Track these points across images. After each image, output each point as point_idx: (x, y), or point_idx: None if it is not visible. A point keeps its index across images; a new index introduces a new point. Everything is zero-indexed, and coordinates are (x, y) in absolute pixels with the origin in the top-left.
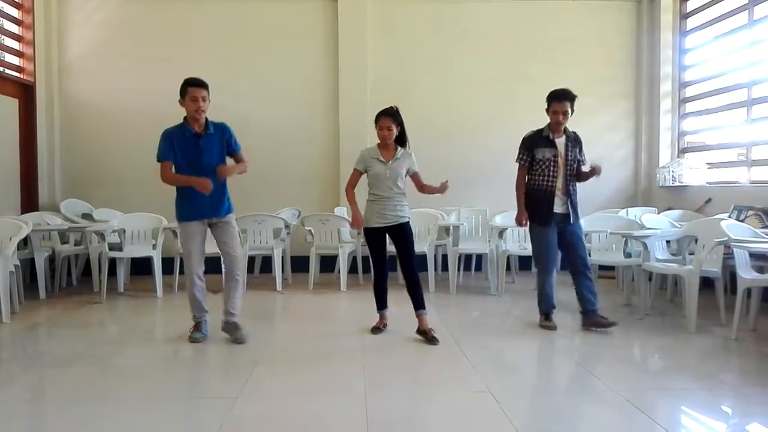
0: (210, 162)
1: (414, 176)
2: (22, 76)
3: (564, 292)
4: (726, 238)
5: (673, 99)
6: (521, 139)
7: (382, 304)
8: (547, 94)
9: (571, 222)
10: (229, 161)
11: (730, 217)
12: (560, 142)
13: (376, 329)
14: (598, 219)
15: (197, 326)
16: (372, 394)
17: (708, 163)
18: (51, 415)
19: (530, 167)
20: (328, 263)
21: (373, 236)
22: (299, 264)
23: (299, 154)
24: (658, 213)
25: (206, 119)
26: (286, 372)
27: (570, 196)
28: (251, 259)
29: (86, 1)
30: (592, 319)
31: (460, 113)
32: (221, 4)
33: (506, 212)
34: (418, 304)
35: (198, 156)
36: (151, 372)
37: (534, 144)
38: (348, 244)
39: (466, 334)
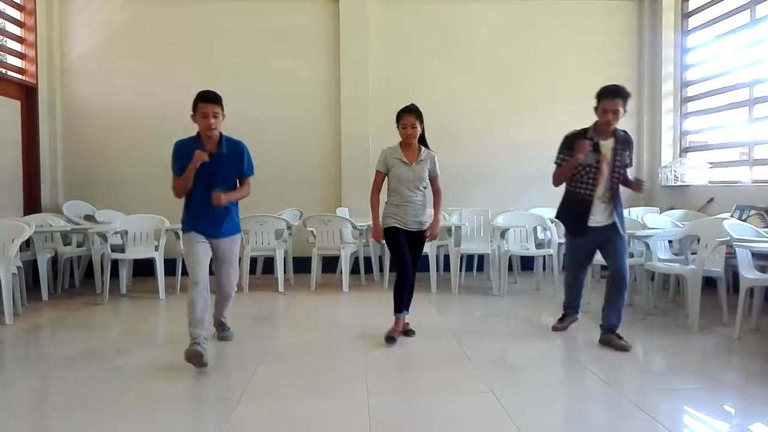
0: (221, 183)
1: (433, 180)
2: (24, 78)
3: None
4: (728, 238)
5: (674, 98)
6: (563, 137)
7: (401, 306)
8: (597, 90)
9: (616, 233)
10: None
11: (732, 216)
12: (606, 145)
13: (391, 339)
14: None
15: (194, 344)
16: (374, 395)
17: (710, 163)
18: (53, 417)
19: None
20: (330, 264)
21: (395, 233)
22: (301, 265)
23: (301, 155)
24: (660, 212)
25: (221, 135)
26: (288, 373)
27: (615, 205)
28: (253, 260)
29: (88, 3)
30: (607, 337)
31: (462, 114)
32: (223, 6)
33: (508, 212)
34: (406, 307)
35: (208, 175)
36: (153, 373)
37: (578, 145)
38: (350, 245)
39: (468, 334)
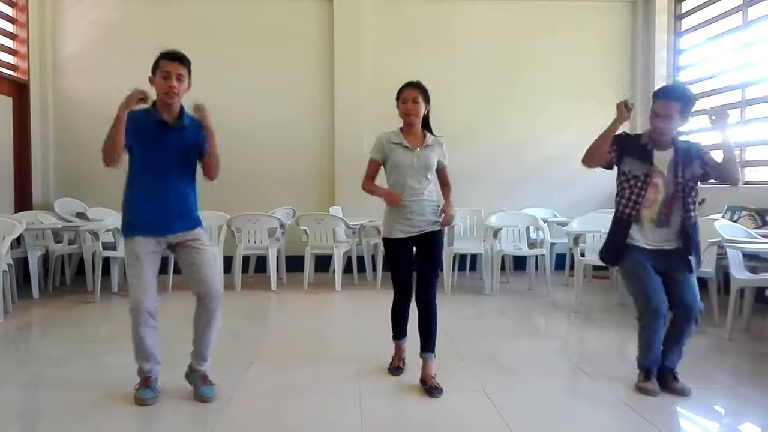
0: (179, 163)
1: (441, 172)
2: (16, 75)
3: (562, 292)
4: (720, 239)
5: None
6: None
7: (400, 331)
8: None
9: (683, 261)
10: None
11: (723, 217)
12: (662, 157)
13: (396, 369)
14: (593, 219)
15: (145, 382)
16: (366, 394)
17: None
18: (44, 415)
19: (617, 181)
20: (323, 263)
21: (397, 248)
22: (294, 264)
23: (294, 154)
24: None
25: (182, 108)
26: (281, 372)
27: (685, 229)
28: (246, 259)
29: (80, 0)
30: (663, 378)
31: (456, 113)
32: (216, 4)
33: (501, 212)
34: (428, 345)
35: (161, 153)
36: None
37: (626, 148)
38: (343, 244)
39: (460, 334)
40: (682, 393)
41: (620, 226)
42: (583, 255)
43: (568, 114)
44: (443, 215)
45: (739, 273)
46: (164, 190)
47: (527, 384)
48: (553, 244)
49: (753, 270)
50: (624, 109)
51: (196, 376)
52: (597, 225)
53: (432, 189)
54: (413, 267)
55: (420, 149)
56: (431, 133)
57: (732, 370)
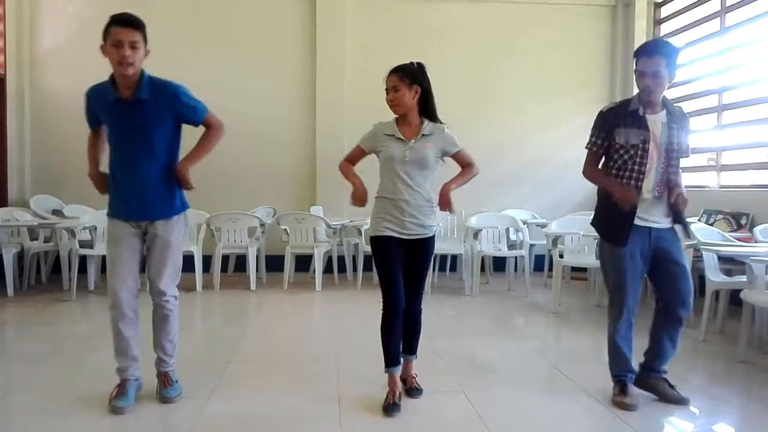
0: (137, 143)
1: (456, 157)
2: None
3: (540, 293)
4: (695, 242)
5: None
6: (597, 113)
7: (393, 357)
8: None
9: (676, 243)
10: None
11: (699, 220)
12: (655, 120)
13: (392, 406)
14: (571, 221)
15: (122, 387)
16: (345, 394)
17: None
18: (17, 415)
19: (607, 156)
20: (304, 263)
21: (385, 246)
22: (274, 263)
23: (275, 153)
24: None
25: (143, 78)
26: (259, 371)
27: (674, 200)
28: (225, 258)
29: None
30: (654, 382)
31: (437, 114)
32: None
33: (481, 213)
34: (409, 348)
35: (120, 131)
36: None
37: (615, 122)
38: (323, 244)
39: (440, 334)
40: (680, 402)
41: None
42: (561, 256)
43: (548, 117)
44: (440, 195)
45: (715, 276)
46: (127, 172)
47: (506, 384)
48: (532, 246)
49: (728, 273)
50: (628, 196)
51: (157, 377)
52: (575, 227)
53: (428, 186)
54: (401, 270)
55: (414, 141)
56: (433, 119)
57: (706, 371)
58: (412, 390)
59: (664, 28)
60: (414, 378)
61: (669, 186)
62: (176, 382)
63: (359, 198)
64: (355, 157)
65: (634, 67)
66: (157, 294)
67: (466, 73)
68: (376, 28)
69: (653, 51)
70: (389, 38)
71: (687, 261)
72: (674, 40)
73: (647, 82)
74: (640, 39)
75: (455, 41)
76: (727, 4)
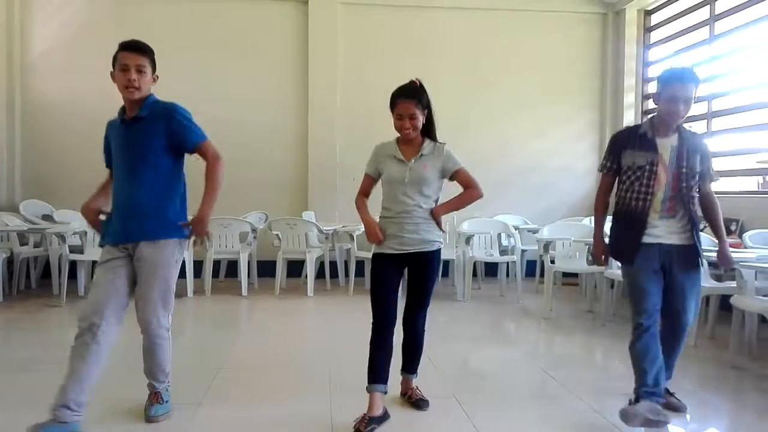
0: (135, 162)
1: (456, 175)
2: None
3: (532, 298)
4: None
5: (635, 110)
6: (611, 137)
7: (378, 375)
8: (661, 74)
9: (689, 261)
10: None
11: None
12: (664, 143)
13: (370, 422)
14: (562, 227)
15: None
16: (337, 400)
17: None
18: (6, 422)
19: (618, 178)
20: (295, 268)
21: (382, 265)
22: (266, 269)
23: (267, 158)
24: None
25: (148, 98)
26: (250, 377)
27: (691, 220)
28: (216, 263)
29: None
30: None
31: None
32: (189, 6)
33: (473, 218)
34: (410, 367)
35: (121, 152)
36: (111, 377)
37: (624, 144)
38: (315, 249)
39: (432, 340)
40: (679, 410)
41: (635, 223)
42: (553, 262)
43: (539, 123)
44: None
45: (705, 281)
46: (122, 193)
47: (497, 390)
48: (523, 251)
49: (718, 278)
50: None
51: (149, 395)
52: (566, 233)
53: (429, 205)
54: (398, 290)
55: (414, 161)
56: (432, 139)
57: (696, 375)
58: (420, 402)
59: (654, 36)
60: (416, 389)
61: (692, 219)
62: (166, 402)
63: (372, 234)
64: (366, 186)
65: (658, 91)
66: (141, 321)
67: (457, 80)
68: (368, 36)
69: (687, 78)
70: (381, 46)
71: (696, 282)
72: (663, 48)
73: (679, 107)
74: (630, 47)
75: (447, 49)
76: (716, 12)
